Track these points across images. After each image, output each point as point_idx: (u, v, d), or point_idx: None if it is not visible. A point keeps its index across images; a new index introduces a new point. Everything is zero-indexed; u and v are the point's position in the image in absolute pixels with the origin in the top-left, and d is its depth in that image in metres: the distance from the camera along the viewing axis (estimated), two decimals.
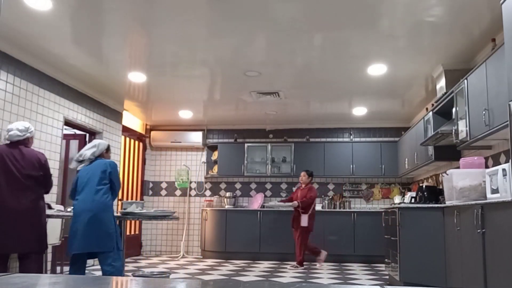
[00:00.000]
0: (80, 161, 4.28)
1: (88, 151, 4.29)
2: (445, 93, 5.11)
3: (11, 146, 4.02)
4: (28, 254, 3.96)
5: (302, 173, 7.32)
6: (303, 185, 7.25)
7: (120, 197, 7.61)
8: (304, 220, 6.93)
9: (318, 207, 8.22)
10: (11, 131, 4.04)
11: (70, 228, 4.03)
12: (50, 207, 4.66)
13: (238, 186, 8.80)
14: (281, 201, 7.69)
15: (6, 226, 3.83)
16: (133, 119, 8.26)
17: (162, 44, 4.88)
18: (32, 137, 4.22)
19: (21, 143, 4.05)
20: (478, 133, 4.06)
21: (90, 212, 3.97)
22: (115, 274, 4.01)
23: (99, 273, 5.97)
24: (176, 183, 8.69)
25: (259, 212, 8.02)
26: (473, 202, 3.69)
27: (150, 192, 8.92)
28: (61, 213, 4.69)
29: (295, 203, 6.97)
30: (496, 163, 4.41)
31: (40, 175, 4.06)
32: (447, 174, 4.31)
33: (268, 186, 8.69)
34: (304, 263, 7.10)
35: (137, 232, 8.58)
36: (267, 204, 8.09)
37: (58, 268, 5.31)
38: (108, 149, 4.43)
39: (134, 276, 5.39)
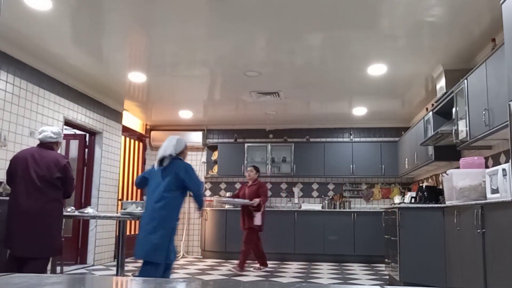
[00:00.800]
0: (161, 161, 3.98)
1: (168, 149, 3.98)
2: (445, 93, 5.11)
3: (38, 147, 4.08)
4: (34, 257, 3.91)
5: (250, 169, 6.86)
6: (250, 182, 6.74)
7: (120, 197, 7.61)
8: (258, 219, 6.37)
9: (318, 207, 8.23)
10: (45, 132, 4.07)
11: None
12: None
13: (238, 186, 8.79)
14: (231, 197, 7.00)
15: (15, 228, 3.83)
16: (133, 119, 8.26)
17: (162, 44, 4.89)
18: (60, 143, 4.28)
19: (48, 146, 4.08)
20: (478, 133, 4.06)
21: (150, 223, 3.79)
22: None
23: (102, 273, 5.97)
24: None
25: None
26: (473, 202, 3.69)
27: None
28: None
29: (257, 200, 6.36)
30: (496, 163, 4.41)
31: (56, 178, 3.99)
32: (447, 174, 4.31)
33: (268, 186, 8.68)
34: (305, 262, 7.09)
35: (137, 232, 8.57)
36: (218, 199, 7.40)
37: (58, 268, 5.31)
38: (186, 146, 4.15)
39: (134, 276, 5.39)
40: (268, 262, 7.64)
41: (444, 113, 5.37)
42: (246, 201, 6.45)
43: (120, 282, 1.32)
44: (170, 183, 3.87)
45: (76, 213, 4.74)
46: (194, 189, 3.98)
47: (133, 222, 8.28)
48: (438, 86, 5.47)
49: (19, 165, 3.94)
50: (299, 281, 5.71)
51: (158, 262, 3.70)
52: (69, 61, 5.40)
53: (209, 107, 7.67)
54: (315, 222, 7.78)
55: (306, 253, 7.68)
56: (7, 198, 4.03)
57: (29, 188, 3.89)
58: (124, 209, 4.53)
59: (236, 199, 6.67)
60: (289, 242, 7.76)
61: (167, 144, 4.04)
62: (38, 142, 4.13)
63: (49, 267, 5.08)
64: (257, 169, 6.85)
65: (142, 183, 4.21)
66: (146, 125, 8.91)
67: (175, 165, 3.96)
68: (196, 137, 8.76)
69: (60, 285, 1.10)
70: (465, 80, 4.42)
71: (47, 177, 3.95)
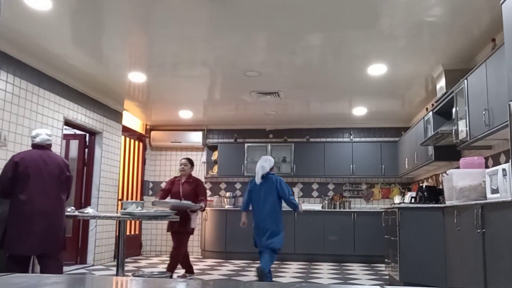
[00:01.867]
0: (263, 176, 5.34)
1: (266, 167, 5.36)
2: (445, 93, 5.11)
3: (40, 149, 4.14)
4: (47, 254, 4.04)
5: (183, 161, 5.69)
6: (184, 177, 5.62)
7: (120, 197, 7.62)
8: (194, 221, 5.50)
9: (318, 207, 8.23)
10: (41, 135, 4.15)
11: (255, 228, 5.27)
12: None
13: (238, 186, 8.80)
14: (157, 196, 5.58)
15: (31, 228, 3.91)
16: (133, 119, 8.26)
17: (162, 44, 4.88)
18: None
19: (47, 147, 4.19)
20: (478, 133, 4.06)
21: (270, 224, 5.17)
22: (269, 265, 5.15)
23: (102, 273, 5.97)
24: None
25: None
26: (473, 202, 3.69)
27: (150, 192, 8.91)
28: (76, 213, 4.66)
29: (203, 205, 5.44)
30: (496, 163, 4.41)
31: (65, 177, 4.19)
32: (447, 174, 4.31)
33: None
34: (305, 262, 7.09)
35: (137, 232, 8.58)
36: (157, 201, 5.25)
37: None
38: (275, 162, 5.52)
39: (134, 276, 5.38)
40: None
41: (444, 113, 5.36)
42: (193, 204, 5.27)
43: (120, 282, 1.32)
44: (274, 194, 5.24)
45: (76, 213, 4.73)
46: (285, 197, 5.24)
47: (133, 222, 8.28)
48: (438, 86, 5.47)
49: (30, 167, 3.98)
50: (299, 281, 5.71)
51: (280, 248, 5.23)
52: (69, 61, 5.40)
53: (209, 107, 7.66)
54: (315, 222, 7.78)
55: (306, 253, 7.68)
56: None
57: (46, 188, 4.00)
58: (124, 209, 4.52)
59: (184, 202, 5.18)
60: (289, 242, 7.73)
61: (264, 164, 5.38)
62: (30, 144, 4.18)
63: None
64: (191, 163, 5.76)
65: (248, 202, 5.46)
66: (146, 125, 8.91)
67: (272, 178, 5.32)
68: (196, 137, 8.76)
69: (60, 285, 1.10)
70: (465, 80, 4.42)
71: (60, 177, 4.12)
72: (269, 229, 5.17)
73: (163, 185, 8.68)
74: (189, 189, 5.52)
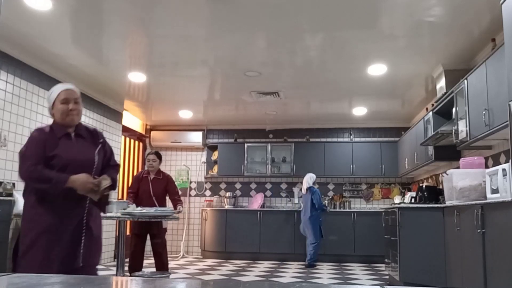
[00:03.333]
0: (307, 189, 7.30)
1: (310, 182, 7.31)
2: (445, 93, 5.11)
3: None
4: None
5: (152, 157, 5.28)
6: (153, 173, 5.29)
7: (120, 197, 7.62)
8: (166, 221, 5.19)
9: None
10: None
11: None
12: None
13: (238, 186, 8.80)
14: (129, 199, 5.11)
15: None
16: (133, 119, 8.26)
17: (162, 44, 4.88)
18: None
19: None
20: (478, 133, 4.06)
21: (308, 223, 7.16)
22: (316, 252, 7.14)
23: (102, 272, 5.97)
24: (176, 183, 8.66)
25: (259, 212, 8.02)
26: (473, 202, 3.69)
27: None
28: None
29: (181, 208, 5.19)
30: (496, 163, 4.41)
31: None
32: (447, 174, 4.31)
33: (268, 186, 8.69)
34: (305, 262, 7.10)
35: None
36: (145, 211, 4.13)
37: None
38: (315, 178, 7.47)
39: (134, 276, 5.37)
40: (268, 262, 7.64)
41: (444, 113, 5.36)
42: (174, 211, 4.64)
43: (120, 282, 1.32)
44: (312, 204, 7.17)
45: None
46: (316, 202, 7.17)
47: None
48: (438, 86, 5.47)
49: None
50: (299, 281, 5.71)
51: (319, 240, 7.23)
52: (69, 61, 5.40)
53: (209, 107, 7.66)
54: None
55: (306, 253, 7.67)
56: (7, 198, 3.99)
57: None
58: (124, 209, 4.51)
59: (164, 209, 4.51)
60: (289, 242, 7.75)
61: (308, 180, 7.31)
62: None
63: None
64: (160, 157, 5.40)
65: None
66: (146, 125, 8.91)
67: (313, 191, 7.21)
68: (196, 137, 8.76)
69: (60, 285, 1.10)
70: (465, 80, 4.42)
71: None
72: (310, 227, 7.12)
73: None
74: (160, 187, 5.24)
